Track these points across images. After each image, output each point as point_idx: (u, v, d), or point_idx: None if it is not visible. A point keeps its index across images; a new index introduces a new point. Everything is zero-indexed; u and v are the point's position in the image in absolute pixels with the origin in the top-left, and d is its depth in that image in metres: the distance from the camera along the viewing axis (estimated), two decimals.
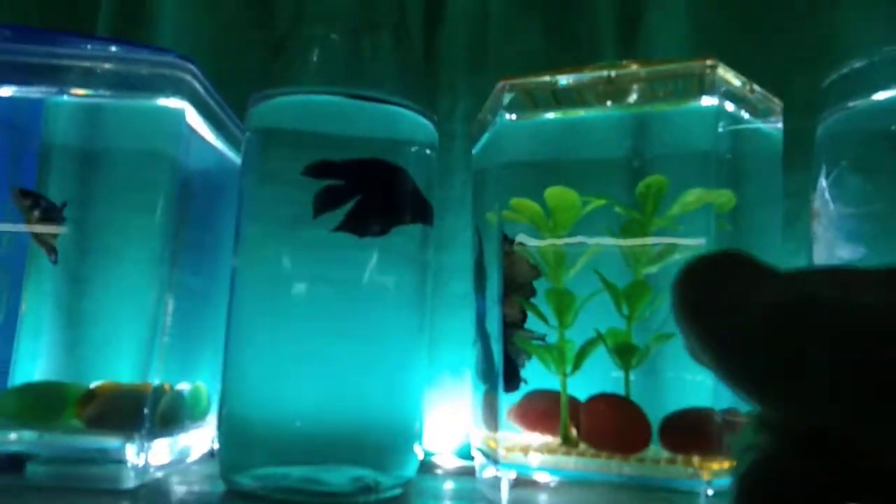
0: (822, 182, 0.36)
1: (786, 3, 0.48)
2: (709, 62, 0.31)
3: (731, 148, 0.33)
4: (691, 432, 0.31)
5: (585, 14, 0.49)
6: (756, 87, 0.34)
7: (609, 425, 0.32)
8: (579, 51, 0.49)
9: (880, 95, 0.34)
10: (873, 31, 0.46)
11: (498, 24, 0.50)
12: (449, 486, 0.41)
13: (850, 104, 0.35)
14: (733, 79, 0.32)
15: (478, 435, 0.38)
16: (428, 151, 0.38)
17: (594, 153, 0.35)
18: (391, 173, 0.35)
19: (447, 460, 0.47)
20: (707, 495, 0.30)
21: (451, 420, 0.47)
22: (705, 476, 0.30)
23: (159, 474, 0.36)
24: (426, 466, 0.43)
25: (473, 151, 0.41)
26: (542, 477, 0.32)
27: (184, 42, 0.50)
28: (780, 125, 0.36)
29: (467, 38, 0.50)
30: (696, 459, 0.30)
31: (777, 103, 0.36)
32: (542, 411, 0.35)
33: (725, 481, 0.30)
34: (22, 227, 0.35)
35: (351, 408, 0.34)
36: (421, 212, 0.36)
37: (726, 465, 0.30)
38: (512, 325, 0.35)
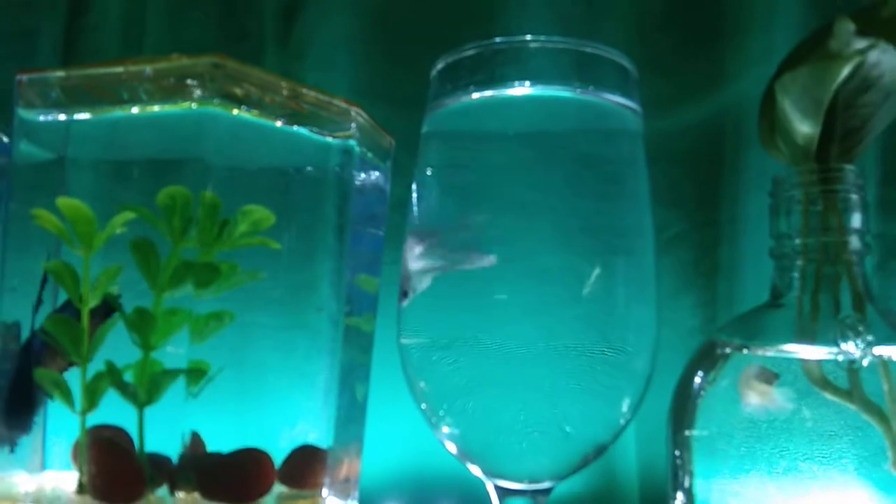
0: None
1: None
2: (211, 60, 0.27)
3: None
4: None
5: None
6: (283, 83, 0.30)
7: (99, 470, 0.28)
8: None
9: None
10: None
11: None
12: None
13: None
14: (236, 85, 0.28)
15: None
16: None
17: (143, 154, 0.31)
18: None
19: None
20: None
21: None
22: None
23: None
24: None
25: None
26: None
27: None
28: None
29: (122, 26, 0.45)
30: None
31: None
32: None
33: None
34: None
35: None
36: None
37: None
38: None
